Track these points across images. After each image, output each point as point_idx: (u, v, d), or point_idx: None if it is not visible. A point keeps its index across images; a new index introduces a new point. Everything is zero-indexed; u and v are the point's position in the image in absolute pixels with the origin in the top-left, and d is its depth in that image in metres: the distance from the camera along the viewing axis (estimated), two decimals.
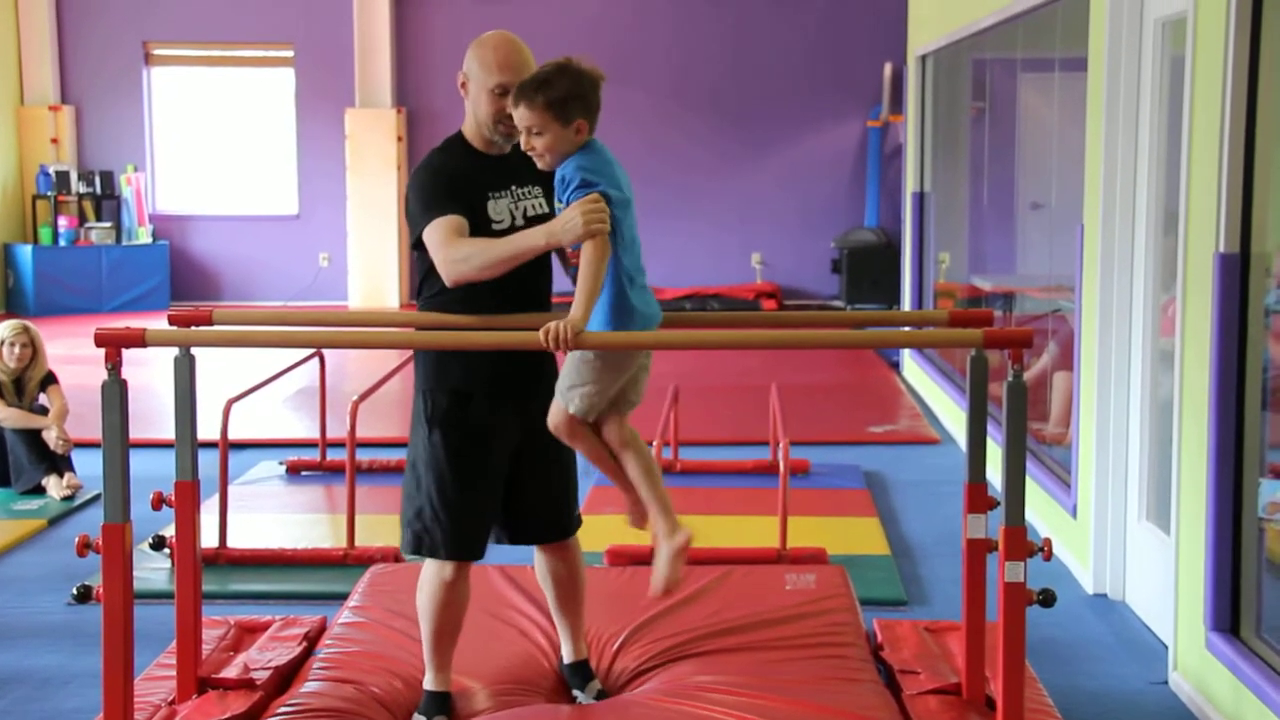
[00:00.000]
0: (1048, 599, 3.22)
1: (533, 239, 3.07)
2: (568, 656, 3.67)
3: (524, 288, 3.28)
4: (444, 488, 3.32)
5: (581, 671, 3.65)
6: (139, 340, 3.10)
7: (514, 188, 3.30)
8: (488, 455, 3.33)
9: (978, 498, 3.39)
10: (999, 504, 3.22)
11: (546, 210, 3.30)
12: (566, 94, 3.02)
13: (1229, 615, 3.70)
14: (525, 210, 3.30)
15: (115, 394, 3.09)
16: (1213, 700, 3.71)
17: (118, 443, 3.10)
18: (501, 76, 3.17)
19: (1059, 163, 6.25)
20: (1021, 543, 3.09)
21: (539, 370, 3.38)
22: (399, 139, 13.53)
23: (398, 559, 4.93)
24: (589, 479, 6.45)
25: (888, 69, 13.06)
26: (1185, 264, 3.97)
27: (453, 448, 3.31)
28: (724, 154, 13.79)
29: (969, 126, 8.59)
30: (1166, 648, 4.14)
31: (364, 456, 6.33)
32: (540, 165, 3.12)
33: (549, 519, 3.51)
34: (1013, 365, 3.06)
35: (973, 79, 8.53)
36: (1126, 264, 4.79)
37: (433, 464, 3.33)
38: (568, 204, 3.04)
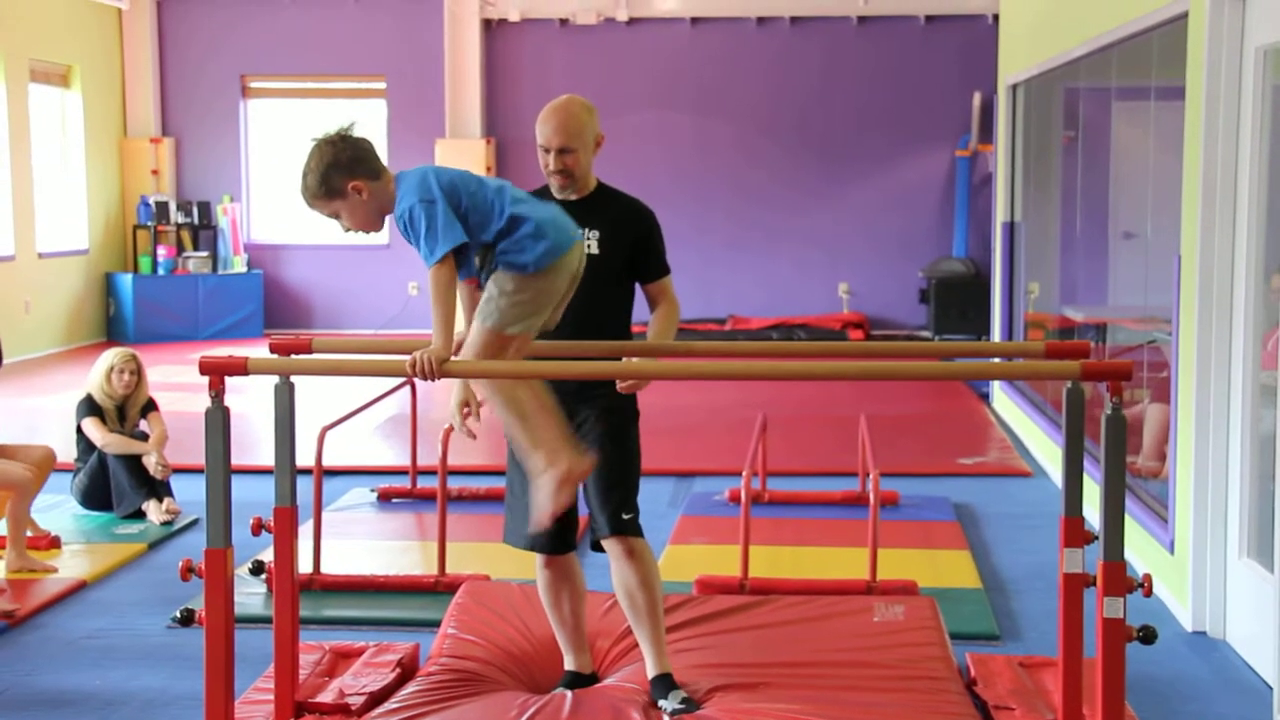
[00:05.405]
0: (1148, 635, 3.16)
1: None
2: (649, 671, 3.72)
3: (580, 318, 3.50)
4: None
5: (662, 683, 3.69)
6: (242, 368, 3.17)
7: None
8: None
9: (1074, 531, 3.35)
10: (1096, 538, 3.17)
11: (595, 251, 3.63)
12: (320, 176, 3.19)
13: None
14: None
15: (218, 420, 3.16)
16: None
17: (220, 469, 3.16)
18: (541, 138, 3.69)
19: (1154, 192, 6.17)
20: (1121, 578, 3.05)
21: (586, 392, 3.64)
22: (488, 169, 13.66)
23: None
24: (675, 510, 6.49)
25: (977, 98, 12.97)
26: None
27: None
28: (811, 184, 13.76)
29: (1060, 155, 8.51)
30: (1270, 689, 4.05)
31: (454, 484, 6.38)
32: (369, 233, 3.30)
33: (594, 522, 3.74)
34: (1111, 397, 3.02)
35: (1065, 108, 8.44)
36: (1226, 295, 4.71)
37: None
38: (425, 233, 3.09)
